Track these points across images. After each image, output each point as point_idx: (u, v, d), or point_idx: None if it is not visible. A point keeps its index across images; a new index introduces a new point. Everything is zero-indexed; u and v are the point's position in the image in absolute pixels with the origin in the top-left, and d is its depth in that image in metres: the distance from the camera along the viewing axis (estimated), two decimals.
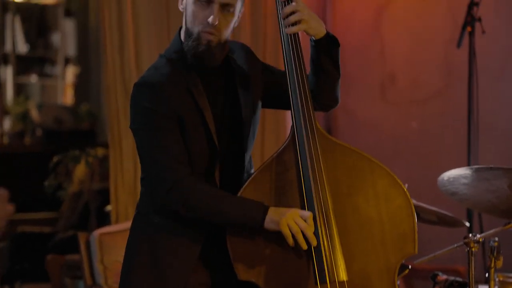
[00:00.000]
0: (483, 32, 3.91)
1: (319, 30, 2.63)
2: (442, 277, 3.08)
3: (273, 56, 4.45)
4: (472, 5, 3.88)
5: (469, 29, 3.88)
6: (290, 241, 2.49)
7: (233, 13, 2.55)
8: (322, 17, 4.89)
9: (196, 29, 2.54)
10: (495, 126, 4.37)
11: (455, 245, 2.96)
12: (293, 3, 2.59)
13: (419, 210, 3.32)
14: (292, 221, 2.49)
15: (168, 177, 2.53)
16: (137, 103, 2.57)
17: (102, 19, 4.01)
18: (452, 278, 3.05)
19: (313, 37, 2.64)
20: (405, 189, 2.65)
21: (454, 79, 4.56)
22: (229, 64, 2.66)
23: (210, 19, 2.50)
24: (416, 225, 2.64)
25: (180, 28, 2.63)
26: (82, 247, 3.97)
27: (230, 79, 2.67)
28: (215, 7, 2.51)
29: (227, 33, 2.58)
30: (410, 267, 2.87)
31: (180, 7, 2.60)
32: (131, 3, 4.07)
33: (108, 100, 4.09)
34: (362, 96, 4.88)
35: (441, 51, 4.63)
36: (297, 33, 2.63)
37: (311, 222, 2.51)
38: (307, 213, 2.52)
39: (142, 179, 2.69)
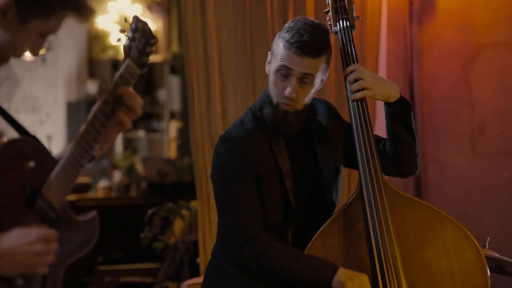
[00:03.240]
0: None
1: (389, 95, 2.65)
2: None
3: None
4: None
5: None
6: None
7: (312, 83, 2.56)
8: (409, 69, 4.89)
9: (274, 98, 2.58)
10: None
11: None
12: (356, 71, 2.63)
13: (503, 263, 3.23)
14: None
15: (242, 233, 2.56)
16: (219, 157, 2.64)
17: (189, 77, 4.10)
18: None
19: (385, 102, 2.68)
20: (476, 242, 2.60)
21: None
22: (310, 125, 2.70)
23: (286, 92, 2.53)
24: (488, 278, 2.59)
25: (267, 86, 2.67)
26: None
27: (311, 140, 2.70)
28: (293, 79, 2.53)
29: (305, 102, 2.60)
30: None
31: (266, 69, 2.65)
32: (218, 63, 4.16)
33: (196, 155, 4.16)
34: (451, 147, 4.82)
35: None
36: (363, 99, 2.65)
37: None
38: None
39: (219, 224, 2.72)
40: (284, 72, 2.53)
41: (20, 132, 1.94)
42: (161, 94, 9.43)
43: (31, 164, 1.85)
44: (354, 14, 2.76)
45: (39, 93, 9.15)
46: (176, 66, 9.34)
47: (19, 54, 1.91)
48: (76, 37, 9.31)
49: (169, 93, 9.32)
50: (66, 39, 9.23)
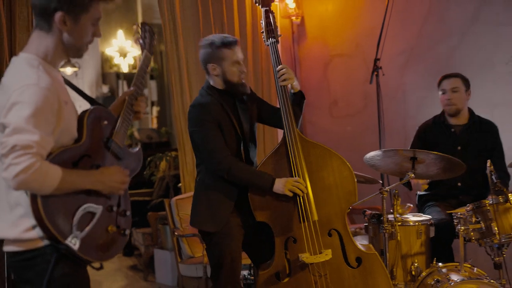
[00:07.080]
0: (383, 74, 3.81)
1: (297, 87, 2.58)
2: (368, 212, 2.95)
3: (266, 92, 4.31)
4: (376, 60, 3.77)
5: (375, 73, 3.77)
6: (291, 194, 2.39)
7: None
8: (294, 71, 4.75)
9: (236, 78, 2.46)
10: (393, 127, 4.25)
11: (374, 194, 2.87)
12: (286, 69, 2.53)
13: (358, 177, 3.17)
14: (291, 186, 2.40)
15: (216, 158, 2.42)
16: (194, 116, 2.46)
17: (170, 79, 3.88)
18: (374, 212, 2.94)
19: (292, 90, 2.57)
20: (349, 166, 2.52)
21: (369, 101, 4.43)
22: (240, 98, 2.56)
23: (242, 69, 2.47)
24: (356, 186, 2.52)
25: (208, 80, 2.52)
26: (167, 207, 3.84)
27: (242, 105, 2.56)
28: (242, 62, 2.49)
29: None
30: (350, 208, 2.69)
31: (214, 73, 2.46)
32: (186, 70, 3.96)
33: (176, 124, 3.96)
34: (319, 113, 4.74)
35: (362, 86, 4.50)
36: (286, 86, 2.53)
37: (302, 182, 2.41)
38: (299, 179, 2.42)
39: (197, 165, 2.56)
40: (236, 61, 2.46)
41: (91, 102, 1.78)
42: (145, 91, 9.03)
43: (105, 122, 1.72)
44: (278, 34, 2.61)
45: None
46: (154, 75, 8.96)
47: (88, 42, 1.65)
48: (94, 60, 8.77)
49: (150, 90, 8.94)
50: (89, 62, 8.69)
